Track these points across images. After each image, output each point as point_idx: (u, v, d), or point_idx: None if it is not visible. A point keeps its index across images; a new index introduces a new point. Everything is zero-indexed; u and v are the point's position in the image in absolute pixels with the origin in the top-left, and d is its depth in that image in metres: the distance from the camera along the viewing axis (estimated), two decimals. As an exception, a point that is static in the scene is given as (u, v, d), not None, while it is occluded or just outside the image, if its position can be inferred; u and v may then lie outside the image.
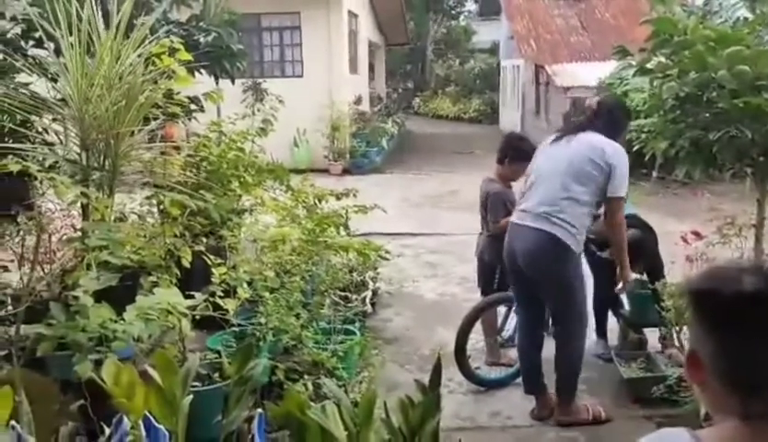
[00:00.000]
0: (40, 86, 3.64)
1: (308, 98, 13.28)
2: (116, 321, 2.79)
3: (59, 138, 3.59)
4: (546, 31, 15.49)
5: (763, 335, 0.99)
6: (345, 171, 13.91)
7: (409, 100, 28.20)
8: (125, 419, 1.88)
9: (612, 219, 3.63)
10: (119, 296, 3.12)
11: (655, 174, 10.11)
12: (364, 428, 2.01)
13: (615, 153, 3.50)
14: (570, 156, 3.55)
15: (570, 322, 3.65)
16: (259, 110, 7.20)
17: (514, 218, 3.76)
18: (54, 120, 3.44)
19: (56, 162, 3.46)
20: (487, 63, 27.33)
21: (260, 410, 2.22)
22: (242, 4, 5.94)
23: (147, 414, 1.96)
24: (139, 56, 3.13)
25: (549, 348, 3.84)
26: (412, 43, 26.42)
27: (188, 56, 3.14)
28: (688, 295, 1.08)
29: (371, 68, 20.45)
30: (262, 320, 3.11)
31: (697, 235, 4.79)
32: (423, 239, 8.42)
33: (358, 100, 15.89)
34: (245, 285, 3.44)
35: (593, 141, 3.54)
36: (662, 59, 4.11)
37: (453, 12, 31.19)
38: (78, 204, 3.38)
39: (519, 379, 4.25)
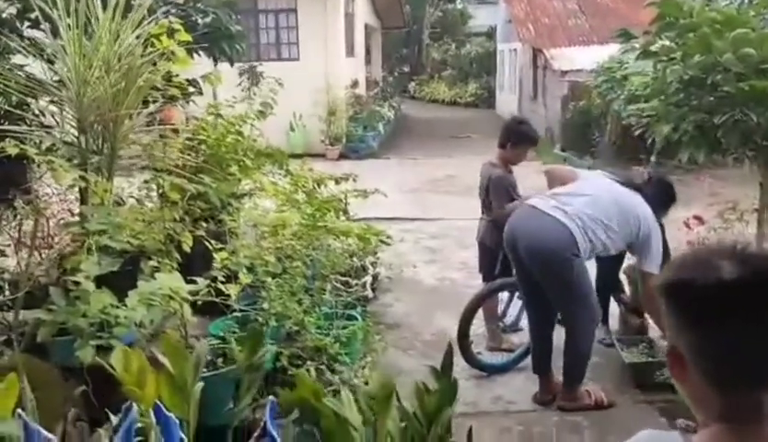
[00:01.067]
0: (36, 67, 3.57)
1: (304, 81, 13.16)
2: (118, 307, 2.77)
3: (56, 120, 3.53)
4: (544, 15, 15.37)
5: (747, 325, 0.92)
6: (342, 156, 13.84)
7: (405, 84, 28.02)
8: (135, 407, 1.85)
9: (647, 293, 3.74)
10: (119, 281, 3.09)
11: (653, 159, 10.06)
12: (381, 416, 1.98)
13: (655, 229, 3.61)
14: (624, 198, 3.62)
15: (574, 313, 3.61)
16: (255, 94, 7.09)
17: (531, 201, 3.72)
18: (52, 102, 3.38)
19: (53, 145, 3.40)
20: (483, 47, 27.13)
21: (272, 397, 2.19)
22: (239, -15, 5.85)
23: (158, 403, 1.92)
24: (138, 37, 3.07)
25: (560, 333, 3.82)
26: (408, 27, 26.21)
27: (187, 37, 3.08)
28: (663, 287, 1.00)
29: (367, 51, 20.30)
30: (266, 306, 3.07)
31: (699, 220, 4.78)
32: (422, 224, 8.39)
33: (355, 84, 15.78)
34: (245, 271, 3.41)
35: (641, 205, 3.61)
36: (666, 42, 4.08)
37: (450, -5, 30.95)
38: (76, 188, 3.33)
39: (521, 364, 4.26)
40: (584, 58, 12.87)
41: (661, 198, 3.79)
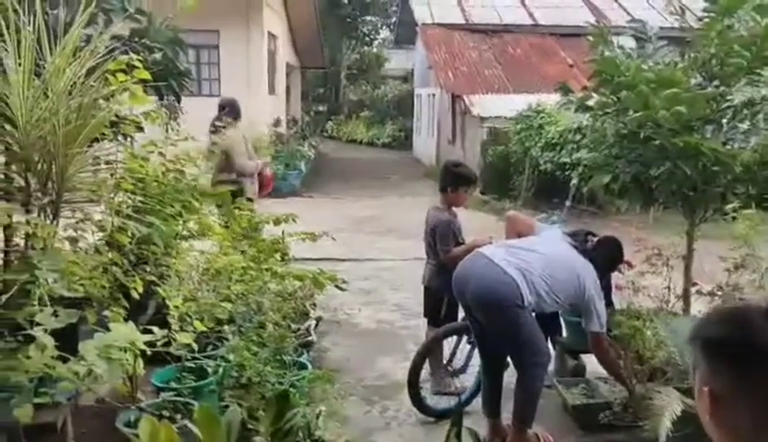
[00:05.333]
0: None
1: (225, 118, 12.94)
2: (66, 360, 2.56)
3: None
4: (462, 63, 15.97)
5: None
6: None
7: (323, 124, 28.20)
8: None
9: (598, 352, 3.89)
10: (60, 331, 2.87)
11: (568, 203, 10.57)
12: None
13: (597, 292, 3.72)
14: (573, 262, 3.71)
15: (523, 357, 3.65)
16: (173, 129, 6.86)
17: (483, 249, 3.78)
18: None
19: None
20: (400, 90, 27.81)
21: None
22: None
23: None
24: (90, 73, 2.92)
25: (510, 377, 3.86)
26: (326, 67, 26.51)
27: (146, 74, 2.95)
28: (713, 343, 1.13)
29: (287, 90, 20.30)
30: (231, 357, 2.93)
31: (629, 264, 5.01)
32: (351, 265, 8.34)
33: (277, 122, 15.70)
34: (197, 318, 3.26)
35: (586, 269, 3.71)
36: (603, 98, 4.32)
37: (367, 39, 31.64)
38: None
39: (466, 408, 4.26)
40: (501, 105, 13.43)
41: (609, 257, 3.94)
